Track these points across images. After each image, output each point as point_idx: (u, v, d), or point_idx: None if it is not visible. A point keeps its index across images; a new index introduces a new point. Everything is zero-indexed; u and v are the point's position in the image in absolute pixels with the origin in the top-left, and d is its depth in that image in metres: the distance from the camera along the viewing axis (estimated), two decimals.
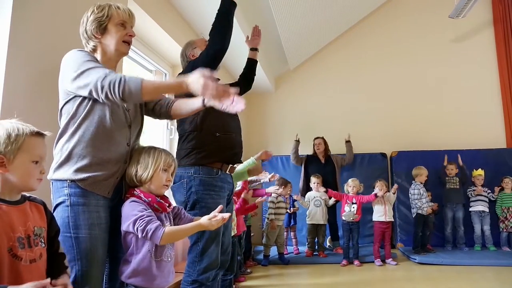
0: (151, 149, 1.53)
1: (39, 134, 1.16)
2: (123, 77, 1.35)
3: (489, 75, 5.62)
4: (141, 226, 1.35)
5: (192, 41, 2.26)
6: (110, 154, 1.45)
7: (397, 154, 5.42)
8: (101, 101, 1.38)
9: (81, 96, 1.41)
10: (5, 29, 1.70)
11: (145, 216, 1.37)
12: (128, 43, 1.56)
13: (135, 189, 1.48)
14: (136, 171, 1.48)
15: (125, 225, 1.40)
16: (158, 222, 1.38)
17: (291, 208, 4.55)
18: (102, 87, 1.34)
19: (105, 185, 1.44)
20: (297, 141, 5.10)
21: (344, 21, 5.78)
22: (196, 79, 1.38)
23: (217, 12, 1.97)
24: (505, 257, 4.11)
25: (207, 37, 2.04)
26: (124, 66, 2.64)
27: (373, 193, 4.26)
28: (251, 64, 2.55)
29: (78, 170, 1.38)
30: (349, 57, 6.00)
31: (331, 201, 4.53)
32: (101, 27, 1.49)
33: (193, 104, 1.63)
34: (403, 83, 5.80)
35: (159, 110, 1.70)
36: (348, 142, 5.08)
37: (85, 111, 1.41)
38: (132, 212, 1.39)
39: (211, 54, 1.95)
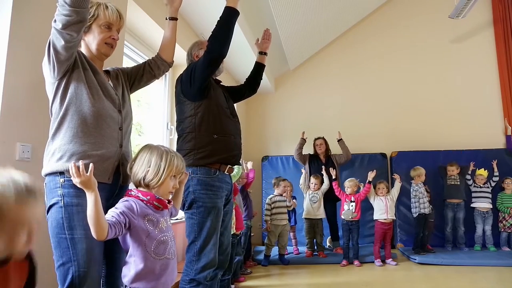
0: (164, 152, 1.45)
1: (28, 194, 0.89)
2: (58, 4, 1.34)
3: (489, 75, 5.62)
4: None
5: (200, 42, 2.25)
6: (102, 138, 1.45)
7: (397, 154, 5.42)
8: (64, 40, 1.34)
9: (62, 84, 1.41)
10: (5, 29, 1.70)
11: (110, 217, 1.32)
12: (110, 45, 1.56)
13: (132, 189, 1.45)
14: (145, 174, 1.42)
15: None
16: (110, 220, 1.30)
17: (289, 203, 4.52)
18: (55, 21, 1.33)
19: (104, 171, 1.43)
20: (303, 139, 5.07)
21: (344, 22, 5.78)
22: None
23: (218, 18, 1.96)
24: (505, 257, 4.11)
25: (207, 38, 2.04)
26: (124, 65, 2.63)
27: (366, 183, 4.28)
28: (258, 68, 2.46)
29: (73, 159, 1.36)
30: (349, 57, 6.00)
31: (325, 185, 4.57)
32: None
33: (166, 28, 1.87)
34: (403, 83, 5.81)
35: (155, 64, 1.80)
36: (340, 140, 5.07)
37: (71, 97, 1.42)
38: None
39: (208, 60, 1.95)
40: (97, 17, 1.50)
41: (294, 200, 4.62)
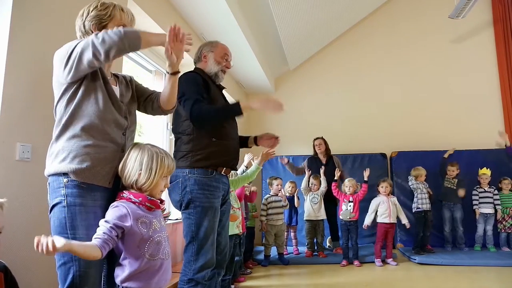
0: (154, 154, 1.44)
1: None
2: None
3: (489, 75, 5.62)
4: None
5: (215, 44, 2.21)
6: (106, 141, 1.44)
7: (397, 154, 5.42)
8: (102, 58, 1.34)
9: (72, 88, 1.40)
10: (5, 29, 1.70)
11: (101, 234, 1.31)
12: None
13: (124, 191, 1.44)
14: (138, 178, 1.41)
15: None
16: (101, 238, 1.29)
17: (286, 202, 4.46)
18: (103, 41, 1.32)
19: (105, 174, 1.43)
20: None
21: (344, 22, 5.78)
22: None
23: (225, 107, 2.04)
24: (505, 257, 4.11)
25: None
26: (124, 66, 2.64)
27: (362, 183, 4.28)
28: (244, 143, 2.39)
29: (76, 160, 1.36)
30: (349, 57, 6.00)
31: (323, 187, 4.56)
32: (100, 25, 1.48)
33: (165, 81, 1.66)
34: (403, 83, 5.81)
35: (152, 104, 1.70)
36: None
37: (78, 101, 1.40)
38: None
39: (192, 116, 1.96)
40: (113, 17, 1.49)
41: (297, 199, 4.63)
